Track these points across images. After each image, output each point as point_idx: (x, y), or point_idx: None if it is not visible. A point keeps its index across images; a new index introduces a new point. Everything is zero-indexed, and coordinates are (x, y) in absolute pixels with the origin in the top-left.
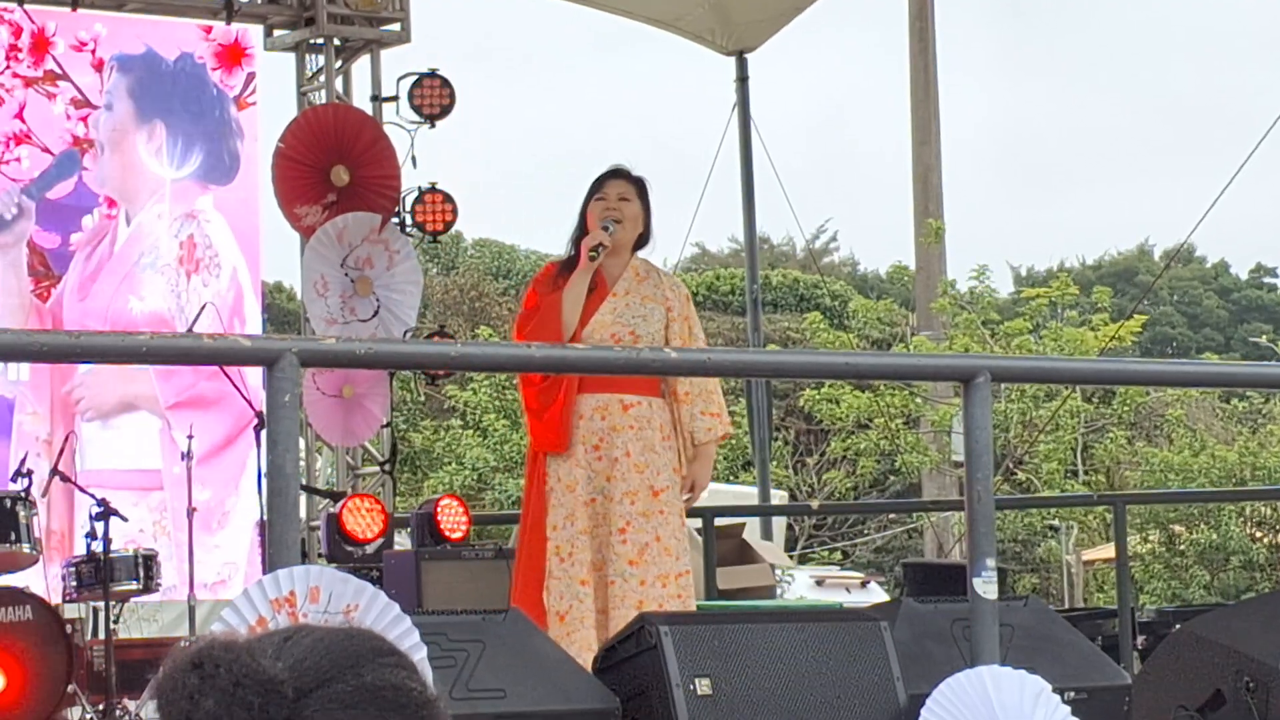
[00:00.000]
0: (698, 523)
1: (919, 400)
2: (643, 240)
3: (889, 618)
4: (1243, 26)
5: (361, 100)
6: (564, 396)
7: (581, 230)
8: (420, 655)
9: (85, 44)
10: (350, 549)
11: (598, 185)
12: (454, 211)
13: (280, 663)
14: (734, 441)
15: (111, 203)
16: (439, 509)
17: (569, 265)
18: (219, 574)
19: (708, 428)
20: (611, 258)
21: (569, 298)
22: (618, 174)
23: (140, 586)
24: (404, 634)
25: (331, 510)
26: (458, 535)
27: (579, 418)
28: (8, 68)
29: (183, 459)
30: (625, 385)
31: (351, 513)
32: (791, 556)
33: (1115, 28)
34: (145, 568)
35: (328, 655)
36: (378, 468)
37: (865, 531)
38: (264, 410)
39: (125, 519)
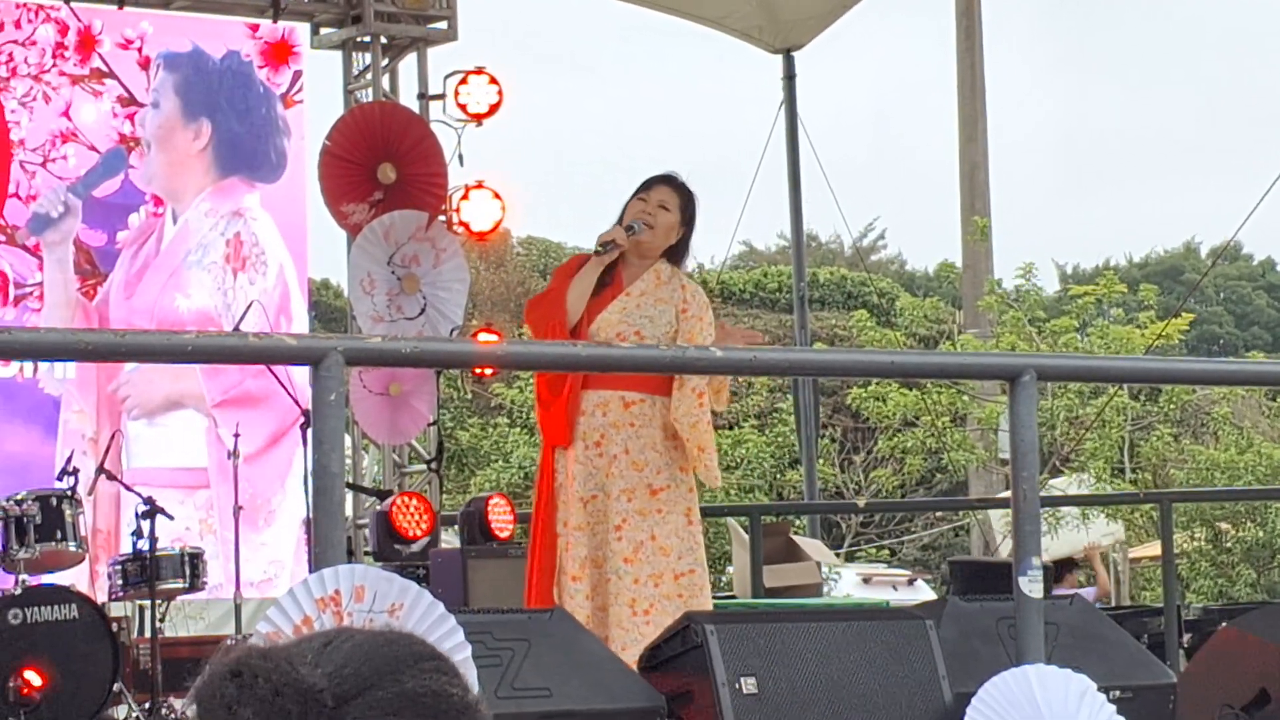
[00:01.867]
0: (745, 520)
1: (966, 398)
2: (676, 253)
3: (934, 616)
4: None
5: (408, 98)
6: (569, 390)
7: (618, 224)
8: (465, 654)
9: (131, 42)
10: (399, 547)
11: (645, 186)
12: (502, 209)
13: (319, 670)
14: (781, 439)
15: (158, 201)
16: (489, 507)
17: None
18: (265, 572)
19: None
20: (635, 260)
21: (575, 288)
22: (667, 180)
23: (186, 585)
24: (449, 633)
25: (379, 508)
26: (505, 534)
27: (581, 413)
28: (54, 66)
29: (229, 457)
30: (629, 382)
31: (400, 510)
32: (838, 554)
33: (1161, 24)
34: (191, 566)
35: (367, 662)
36: (424, 466)
37: (912, 529)
38: (310, 408)
39: (171, 517)
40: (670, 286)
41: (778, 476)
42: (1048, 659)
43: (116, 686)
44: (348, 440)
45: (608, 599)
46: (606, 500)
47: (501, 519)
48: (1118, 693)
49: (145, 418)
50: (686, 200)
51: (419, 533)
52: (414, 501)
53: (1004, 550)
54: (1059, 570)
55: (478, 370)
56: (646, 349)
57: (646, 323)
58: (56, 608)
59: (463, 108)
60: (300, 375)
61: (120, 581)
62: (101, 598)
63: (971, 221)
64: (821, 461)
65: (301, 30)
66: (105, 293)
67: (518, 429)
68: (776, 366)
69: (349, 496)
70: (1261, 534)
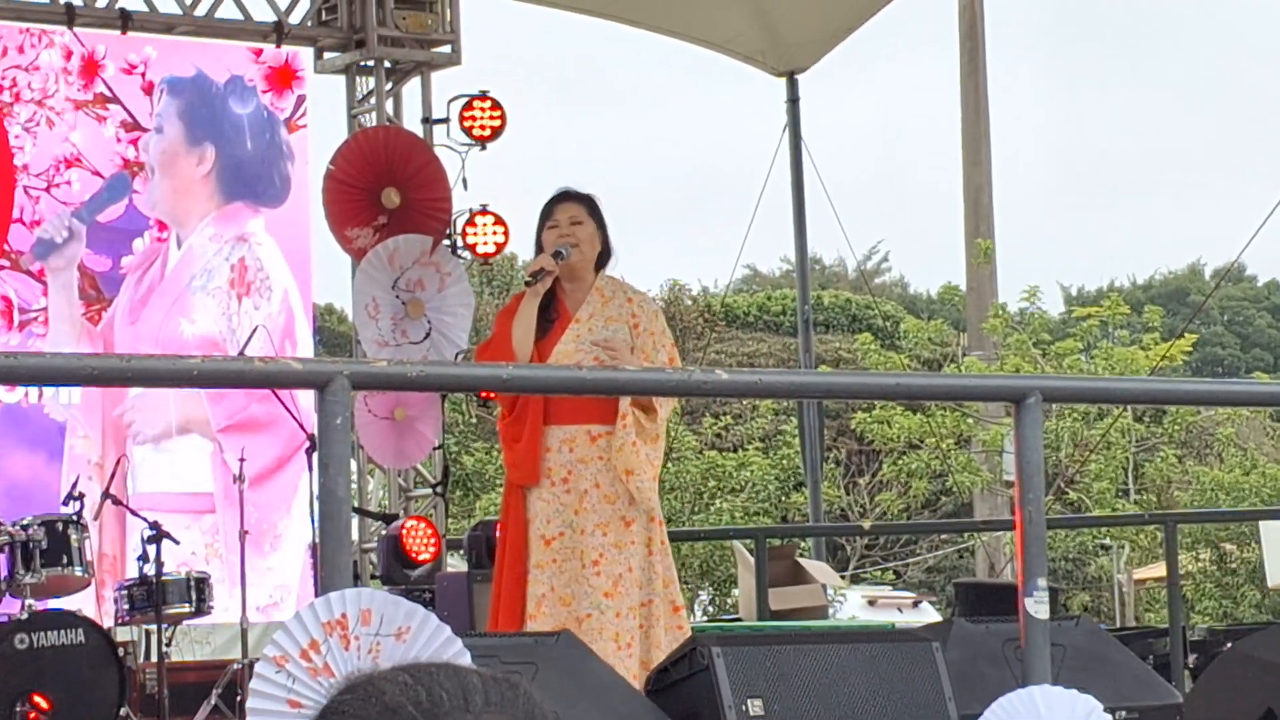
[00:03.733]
0: (750, 543)
1: (970, 421)
2: (604, 258)
3: (941, 638)
4: None
5: (412, 122)
6: (530, 428)
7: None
8: None
9: (135, 67)
10: (406, 570)
11: (547, 212)
12: (506, 233)
13: None
14: (786, 462)
15: (162, 226)
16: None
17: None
18: (271, 596)
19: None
20: (573, 283)
21: (518, 329)
22: (565, 196)
23: (192, 609)
24: (455, 657)
25: (386, 532)
26: None
27: (546, 450)
28: (58, 91)
29: (234, 481)
30: (592, 415)
31: (410, 533)
32: (844, 577)
33: (1165, 47)
34: (197, 590)
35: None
36: (430, 490)
37: (917, 551)
38: (315, 432)
39: (177, 542)
40: (616, 302)
41: (783, 499)
42: (1054, 680)
43: (123, 711)
44: (353, 465)
45: (582, 637)
46: (578, 536)
47: None
48: (1124, 714)
49: (151, 443)
50: (591, 206)
51: (428, 556)
52: (422, 525)
53: (1008, 572)
54: None
55: (483, 394)
56: (654, 370)
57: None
58: (63, 632)
59: (467, 132)
60: (305, 399)
61: (126, 606)
62: (108, 622)
63: (975, 244)
64: (826, 484)
65: (305, 55)
66: (110, 318)
67: None
68: (782, 389)
69: (355, 521)
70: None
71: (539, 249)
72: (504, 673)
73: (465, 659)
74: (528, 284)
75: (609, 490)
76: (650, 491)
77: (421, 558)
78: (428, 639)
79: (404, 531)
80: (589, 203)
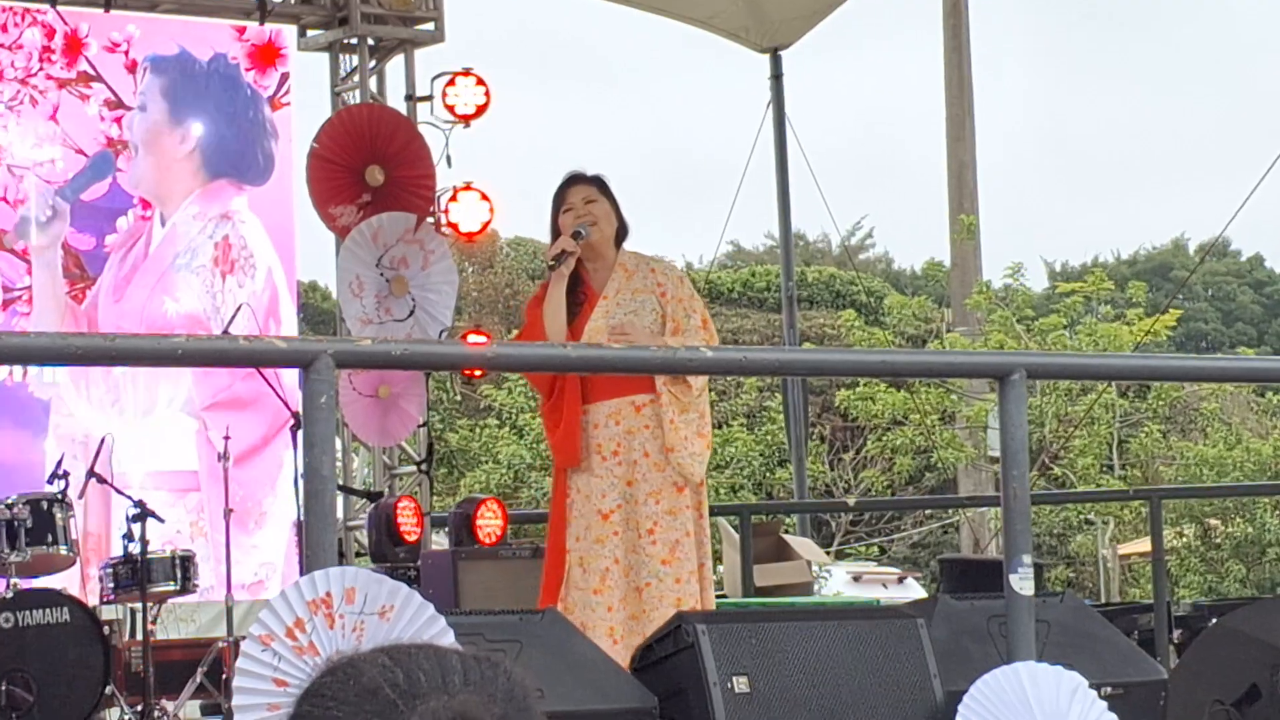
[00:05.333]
0: (735, 519)
1: (954, 397)
2: (621, 234)
3: (926, 615)
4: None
5: (396, 100)
6: (569, 411)
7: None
8: None
9: (118, 45)
10: (397, 548)
11: (560, 197)
12: (490, 210)
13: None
14: (770, 438)
15: (146, 204)
16: (478, 511)
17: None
18: (256, 574)
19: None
20: (596, 262)
21: (547, 313)
22: (576, 179)
23: (178, 587)
24: (438, 635)
25: (377, 508)
26: (492, 539)
27: (594, 426)
28: (41, 69)
29: (219, 460)
30: (633, 386)
31: (403, 512)
32: (828, 553)
33: (1149, 22)
34: (183, 569)
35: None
36: (414, 467)
37: (902, 527)
38: (300, 410)
39: (162, 520)
40: (640, 275)
41: (767, 475)
42: (1039, 656)
43: (108, 689)
44: (338, 443)
45: (644, 605)
46: (633, 507)
47: (490, 524)
48: (1109, 690)
49: (135, 420)
50: (602, 185)
51: (414, 537)
52: (411, 505)
53: (993, 548)
54: None
55: (467, 372)
56: (635, 349)
57: (633, 317)
58: (48, 611)
59: (450, 109)
60: (290, 377)
61: (111, 584)
62: (93, 601)
63: (959, 220)
64: (811, 460)
65: (288, 33)
66: (94, 296)
67: (507, 430)
68: (767, 367)
69: (339, 498)
70: (1250, 529)
71: (554, 233)
72: (486, 652)
73: (448, 637)
74: (551, 268)
75: (658, 459)
76: (696, 463)
77: (411, 537)
78: (411, 617)
79: (398, 509)
80: (599, 182)
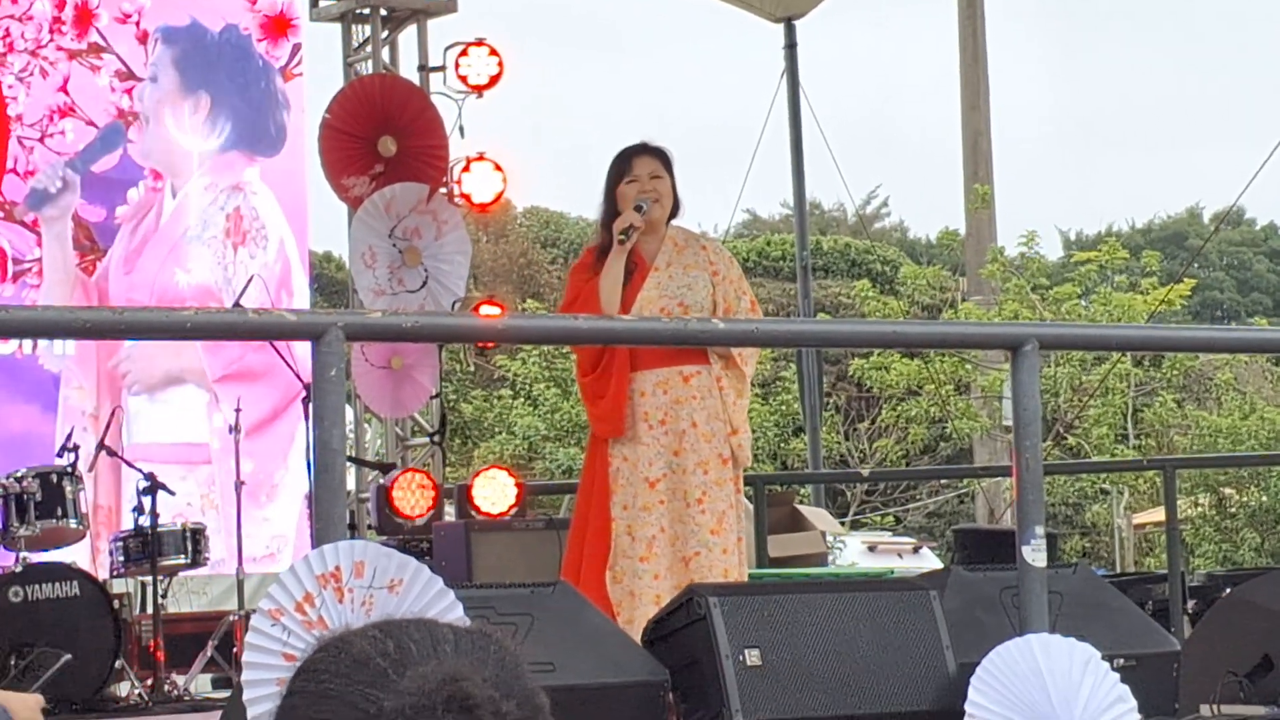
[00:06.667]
0: (750, 490)
1: (969, 366)
2: (675, 211)
3: (938, 586)
4: None
5: (408, 71)
6: (616, 382)
7: (611, 212)
8: None
9: (129, 16)
10: (399, 522)
11: (625, 164)
12: (503, 180)
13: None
14: (785, 408)
15: (157, 175)
16: (474, 483)
17: (606, 250)
18: (268, 547)
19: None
20: (647, 235)
21: (605, 283)
22: (644, 150)
23: (188, 561)
24: (447, 608)
25: (381, 482)
26: (494, 510)
27: (640, 395)
28: (51, 40)
29: (230, 432)
30: (682, 356)
31: (401, 489)
32: (843, 523)
33: None
34: (193, 542)
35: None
36: (427, 439)
37: (917, 497)
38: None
39: (173, 493)
40: (691, 250)
41: (782, 445)
42: (1052, 628)
43: (119, 663)
44: (350, 414)
45: (690, 574)
46: (681, 476)
47: (487, 493)
48: (1122, 661)
49: (146, 393)
50: (667, 161)
51: (419, 512)
52: (417, 478)
53: (1008, 518)
54: None
55: (480, 342)
56: (648, 321)
57: (686, 291)
58: (58, 585)
59: (463, 79)
60: (302, 349)
61: (122, 558)
62: (103, 574)
63: (974, 189)
64: (825, 430)
65: (300, 3)
66: (104, 268)
67: (521, 400)
68: (779, 338)
69: (351, 470)
70: (1265, 499)
71: (609, 199)
72: (478, 626)
73: (457, 611)
74: (620, 241)
75: (705, 429)
76: (749, 446)
77: (415, 513)
78: (420, 591)
79: (395, 486)
80: (664, 157)
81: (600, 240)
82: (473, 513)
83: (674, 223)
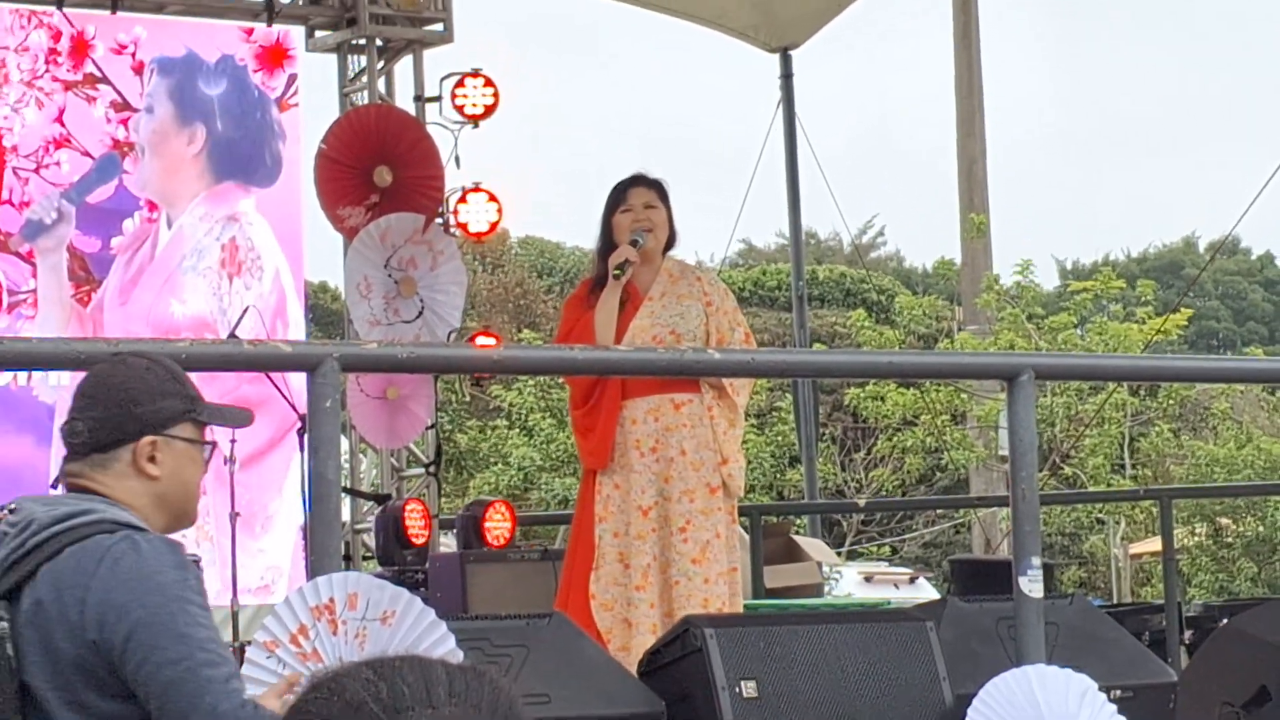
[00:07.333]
0: (745, 521)
1: (965, 396)
2: (671, 242)
3: (934, 618)
4: None
5: (404, 101)
6: (605, 417)
7: (607, 243)
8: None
9: (125, 47)
10: (405, 551)
11: (620, 196)
12: (499, 211)
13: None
14: (781, 439)
15: (153, 206)
16: (487, 514)
17: (601, 282)
18: (263, 578)
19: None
20: (643, 266)
21: (601, 318)
22: (639, 181)
23: None
24: (440, 640)
25: (380, 513)
26: (500, 542)
27: (631, 422)
28: (47, 71)
29: (225, 463)
30: (674, 384)
31: (411, 517)
32: (839, 553)
33: (1162, 20)
34: None
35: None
36: (423, 469)
37: (913, 527)
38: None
39: None
40: (686, 281)
41: (778, 476)
42: (1048, 659)
43: None
44: (345, 444)
45: (674, 604)
46: (667, 504)
47: (499, 526)
48: (1119, 692)
49: None
50: (662, 192)
51: (424, 540)
52: (419, 507)
53: (1004, 548)
54: None
55: (475, 373)
56: (644, 351)
57: (679, 320)
58: None
59: (459, 109)
60: (297, 379)
61: None
62: None
63: (969, 218)
64: (821, 460)
65: (296, 33)
66: (100, 299)
67: (516, 431)
68: (775, 368)
69: (346, 501)
70: (1262, 529)
71: (606, 230)
72: (472, 663)
73: (450, 643)
74: (615, 276)
75: (695, 457)
76: (742, 477)
77: (420, 540)
78: (412, 623)
79: (406, 511)
80: (660, 189)
81: (596, 271)
82: (482, 544)
83: (670, 254)
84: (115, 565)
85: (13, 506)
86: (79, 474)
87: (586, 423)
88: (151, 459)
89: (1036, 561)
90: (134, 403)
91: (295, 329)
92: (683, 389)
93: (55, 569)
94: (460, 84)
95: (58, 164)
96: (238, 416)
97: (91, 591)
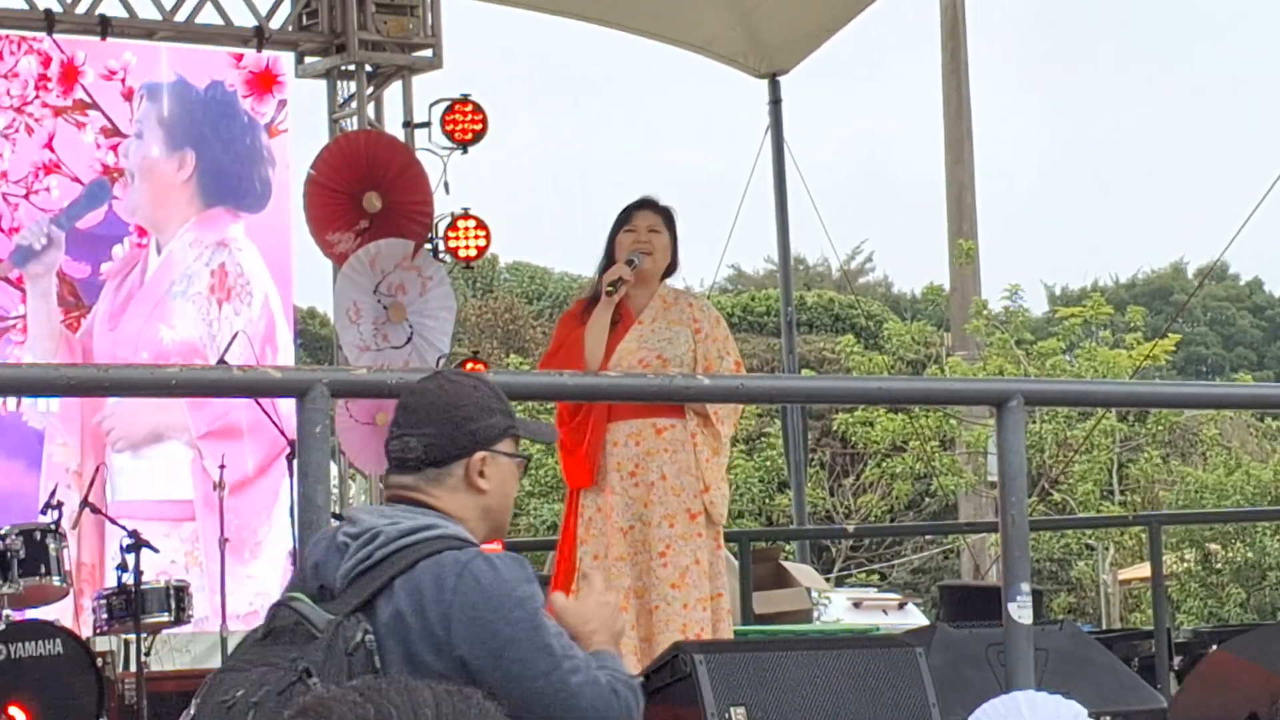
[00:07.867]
0: (734, 546)
1: (954, 421)
2: (670, 270)
3: (924, 643)
4: (1275, 40)
5: (394, 126)
6: (592, 432)
7: (608, 261)
8: None
9: (115, 73)
10: None
11: (626, 216)
12: (488, 236)
13: None
14: (769, 464)
15: (142, 232)
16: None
17: (596, 300)
18: (251, 604)
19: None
20: (638, 288)
21: (591, 334)
22: (646, 204)
23: (172, 618)
24: None
25: None
26: None
27: (613, 445)
28: (37, 97)
29: (214, 489)
30: (656, 409)
31: None
32: (829, 579)
33: (1148, 47)
34: (177, 599)
35: None
36: None
37: (902, 553)
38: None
39: (156, 550)
40: (678, 308)
41: (767, 501)
42: (1038, 685)
43: None
44: (334, 470)
45: (653, 629)
46: (646, 529)
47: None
48: (1109, 718)
49: (130, 450)
50: (669, 218)
51: None
52: None
53: (993, 574)
54: None
55: None
56: (634, 378)
57: (666, 345)
58: (41, 643)
59: (449, 135)
60: (286, 405)
61: (105, 615)
62: (86, 632)
63: (958, 244)
64: (810, 486)
65: (286, 59)
66: (89, 325)
67: None
68: (764, 394)
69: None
70: (1250, 554)
71: (609, 249)
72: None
73: None
74: (608, 293)
75: (675, 482)
76: (724, 505)
77: None
78: None
79: None
80: (667, 215)
81: (592, 290)
82: None
83: (667, 281)
84: (477, 583)
85: (348, 517)
86: (413, 487)
87: (574, 439)
88: (482, 473)
89: (1026, 587)
90: (469, 419)
91: (284, 354)
92: (666, 414)
93: (411, 582)
94: (450, 110)
95: (47, 189)
96: (547, 432)
97: (455, 608)
